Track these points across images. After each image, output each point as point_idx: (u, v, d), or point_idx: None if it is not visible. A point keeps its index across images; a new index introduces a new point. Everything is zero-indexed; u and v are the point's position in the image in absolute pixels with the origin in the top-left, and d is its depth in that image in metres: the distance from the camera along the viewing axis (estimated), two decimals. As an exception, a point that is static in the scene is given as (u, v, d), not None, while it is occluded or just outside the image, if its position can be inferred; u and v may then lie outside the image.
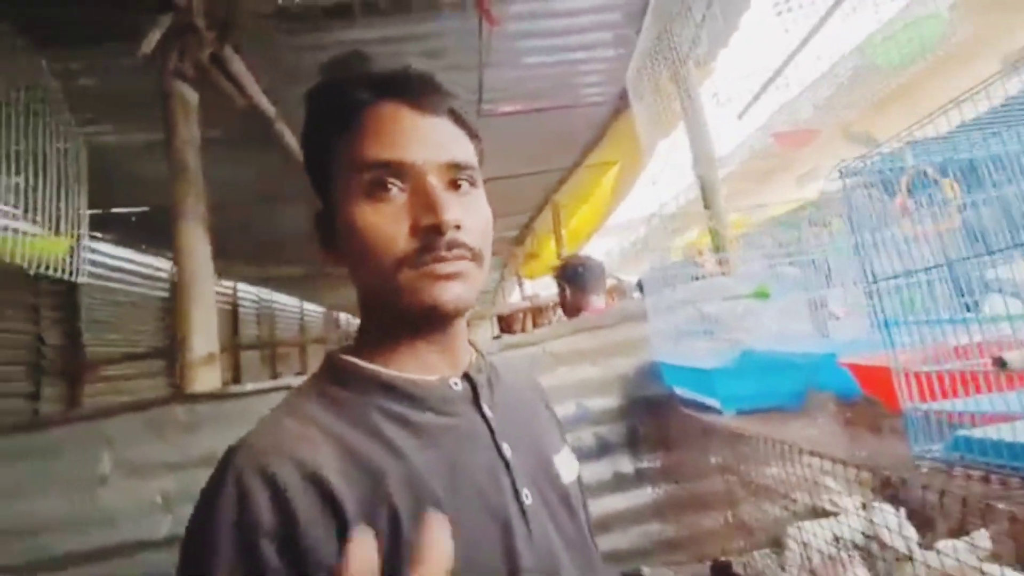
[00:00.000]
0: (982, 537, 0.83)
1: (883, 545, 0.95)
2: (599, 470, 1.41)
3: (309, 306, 7.91)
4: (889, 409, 0.91)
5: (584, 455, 1.40)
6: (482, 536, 0.48)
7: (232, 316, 5.35)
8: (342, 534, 0.42)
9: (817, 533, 1.09)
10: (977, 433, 0.64)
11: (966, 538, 0.80)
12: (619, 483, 1.40)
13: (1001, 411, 0.64)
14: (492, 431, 0.53)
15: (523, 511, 0.50)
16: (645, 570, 1.23)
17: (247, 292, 5.74)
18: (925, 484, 0.64)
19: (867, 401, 0.99)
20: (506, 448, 0.52)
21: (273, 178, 2.85)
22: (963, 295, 0.74)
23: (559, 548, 0.52)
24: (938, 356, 0.73)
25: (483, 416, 0.54)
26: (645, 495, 1.39)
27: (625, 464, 1.41)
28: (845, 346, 1.09)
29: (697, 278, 1.42)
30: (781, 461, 1.12)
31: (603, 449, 1.42)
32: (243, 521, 0.42)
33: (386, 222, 0.49)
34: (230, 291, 5.35)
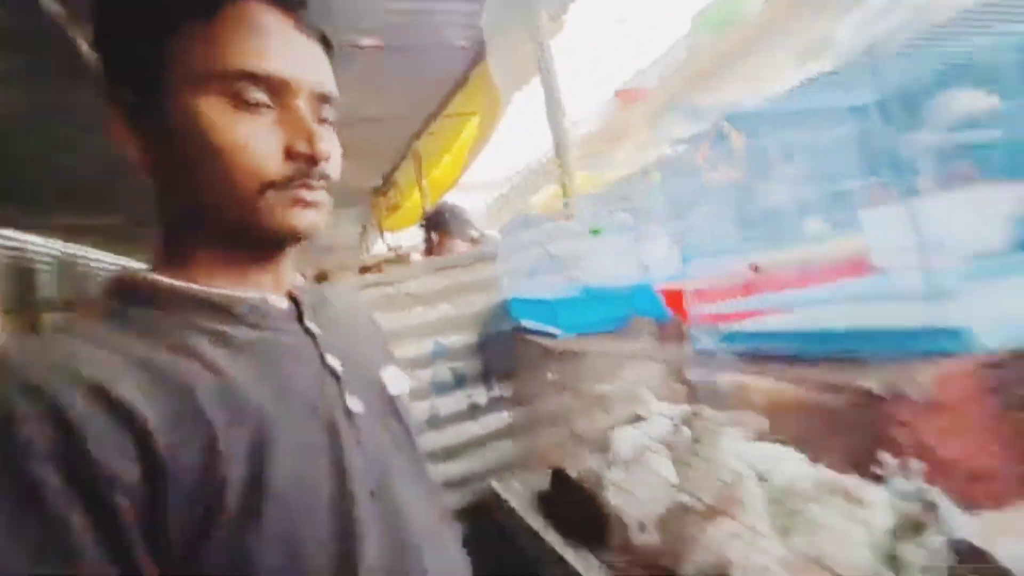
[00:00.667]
0: (746, 417, 1.07)
1: (679, 434, 1.16)
2: (455, 402, 1.49)
3: (128, 262, 6.84)
4: (686, 322, 1.12)
5: (441, 389, 1.47)
6: (310, 442, 0.48)
7: (24, 272, 4.44)
8: (143, 447, 0.40)
9: (634, 435, 1.31)
10: (740, 327, 0.83)
11: (731, 415, 1.03)
12: (474, 412, 1.50)
13: (757, 308, 0.83)
14: (318, 345, 0.53)
15: (351, 418, 0.52)
16: (494, 484, 1.35)
17: (44, 246, 4.78)
18: (699, 374, 0.81)
19: (676, 320, 1.19)
20: (332, 360, 0.53)
21: (75, 104, 2.36)
22: (746, 228, 0.94)
23: (390, 453, 0.55)
24: (720, 277, 0.91)
25: (308, 332, 0.54)
26: (498, 420, 1.52)
27: (480, 395, 1.52)
28: (662, 278, 1.29)
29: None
30: (608, 376, 1.30)
31: (459, 382, 1.50)
32: (12, 444, 0.37)
33: (256, 141, 0.47)
34: (19, 244, 4.40)
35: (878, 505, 0.75)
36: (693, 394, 1.31)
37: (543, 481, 1.37)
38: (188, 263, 0.51)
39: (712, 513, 0.82)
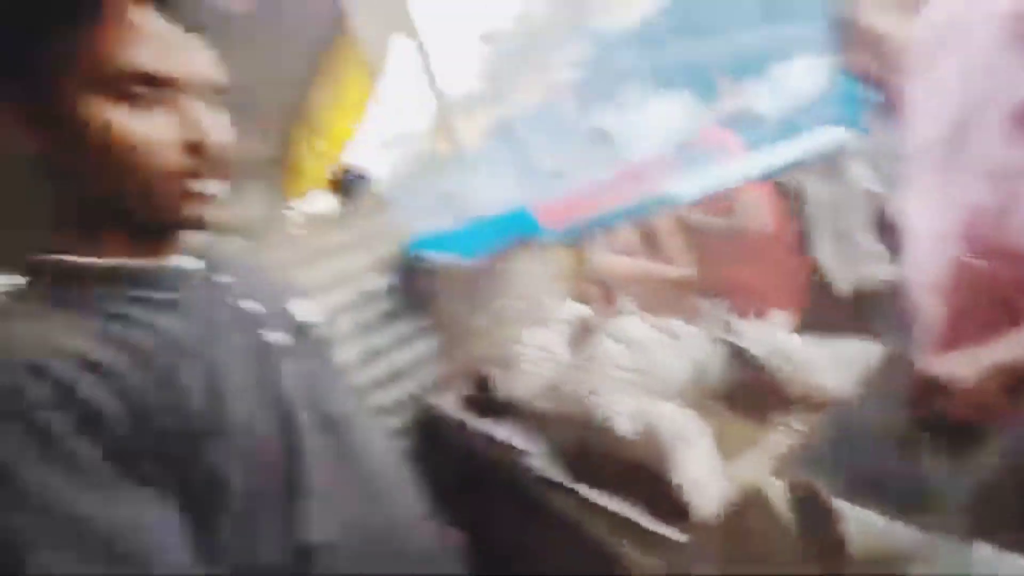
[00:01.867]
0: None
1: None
2: (386, 336, 1.68)
3: None
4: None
5: (371, 328, 1.65)
6: (247, 376, 0.55)
7: None
8: (123, 391, 0.46)
9: (536, 336, 1.57)
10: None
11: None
12: (401, 341, 1.70)
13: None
14: (232, 293, 0.61)
15: (277, 348, 0.60)
16: (430, 400, 1.58)
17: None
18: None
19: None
20: (248, 303, 0.61)
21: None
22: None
23: (316, 373, 0.63)
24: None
25: (219, 283, 0.61)
26: (423, 346, 1.73)
27: (403, 326, 1.71)
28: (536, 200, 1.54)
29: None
30: (510, 292, 1.53)
31: (386, 318, 1.68)
32: (26, 402, 0.43)
33: (153, 134, 0.51)
34: None
35: (690, 335, 1.05)
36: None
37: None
38: (98, 243, 0.55)
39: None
